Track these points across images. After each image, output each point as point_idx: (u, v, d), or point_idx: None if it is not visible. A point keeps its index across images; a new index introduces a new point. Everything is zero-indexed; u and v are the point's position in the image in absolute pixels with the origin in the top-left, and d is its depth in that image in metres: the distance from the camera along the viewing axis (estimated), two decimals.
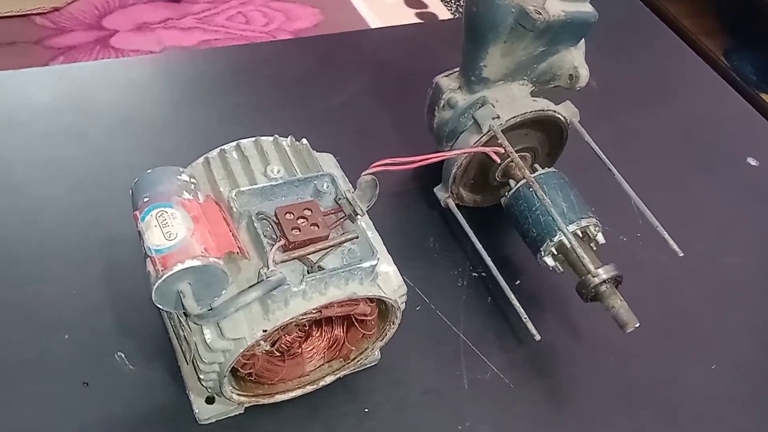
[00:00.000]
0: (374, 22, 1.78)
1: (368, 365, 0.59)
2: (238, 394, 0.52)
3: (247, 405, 0.54)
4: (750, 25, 1.87)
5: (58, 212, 0.67)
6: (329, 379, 0.56)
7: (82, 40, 1.59)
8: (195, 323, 0.43)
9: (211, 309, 0.42)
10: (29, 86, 0.79)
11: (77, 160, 0.71)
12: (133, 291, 0.58)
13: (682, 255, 0.61)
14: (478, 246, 0.66)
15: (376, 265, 0.47)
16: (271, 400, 0.54)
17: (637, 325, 0.57)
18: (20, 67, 0.83)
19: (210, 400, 0.55)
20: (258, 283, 0.43)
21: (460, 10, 1.93)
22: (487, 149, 0.60)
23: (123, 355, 0.58)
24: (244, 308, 0.44)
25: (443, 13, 1.88)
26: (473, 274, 0.69)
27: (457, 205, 0.70)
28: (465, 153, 0.65)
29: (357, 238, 0.47)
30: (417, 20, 1.83)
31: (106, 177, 0.70)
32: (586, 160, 0.68)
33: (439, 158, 0.58)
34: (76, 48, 1.57)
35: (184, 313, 0.43)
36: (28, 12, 1.62)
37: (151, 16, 1.68)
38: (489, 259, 0.65)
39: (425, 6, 1.89)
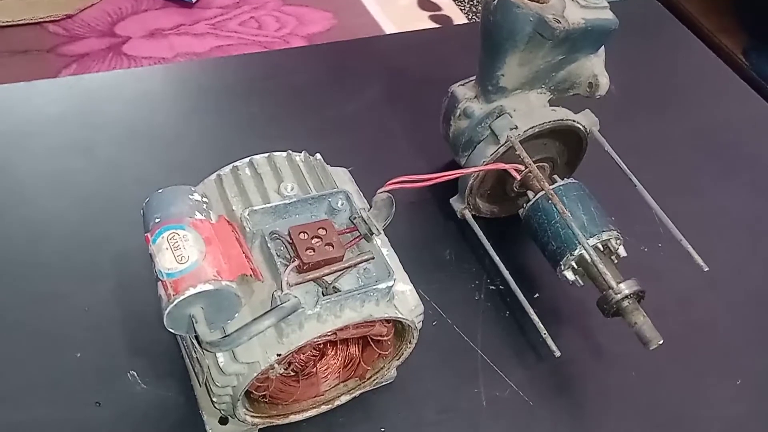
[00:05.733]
0: (387, 25, 1.76)
1: (384, 383, 0.58)
2: (252, 416, 0.51)
3: (261, 426, 0.53)
4: None
5: (69, 227, 0.66)
6: (344, 399, 0.55)
7: (94, 48, 1.59)
8: (207, 350, 0.42)
9: (225, 337, 0.41)
10: (40, 98, 0.78)
11: (88, 174, 0.71)
12: (145, 308, 0.58)
13: (707, 269, 0.59)
14: (496, 258, 0.65)
15: (392, 286, 0.46)
16: (286, 421, 0.53)
17: (661, 342, 0.55)
18: (33, 74, 0.82)
19: (223, 421, 0.54)
20: (272, 309, 0.42)
21: (473, 10, 1.91)
22: (507, 166, 0.58)
23: (135, 374, 0.57)
24: None
25: (457, 15, 1.87)
26: (491, 287, 0.67)
27: (473, 216, 0.68)
28: (482, 170, 0.63)
29: (373, 258, 0.46)
30: (431, 23, 1.81)
31: (116, 191, 0.69)
32: (605, 167, 0.66)
33: (456, 175, 0.56)
34: (89, 55, 1.56)
35: (195, 337, 0.42)
36: (41, 20, 1.62)
37: (164, 23, 1.68)
38: (507, 271, 0.64)
39: (439, 8, 1.87)
